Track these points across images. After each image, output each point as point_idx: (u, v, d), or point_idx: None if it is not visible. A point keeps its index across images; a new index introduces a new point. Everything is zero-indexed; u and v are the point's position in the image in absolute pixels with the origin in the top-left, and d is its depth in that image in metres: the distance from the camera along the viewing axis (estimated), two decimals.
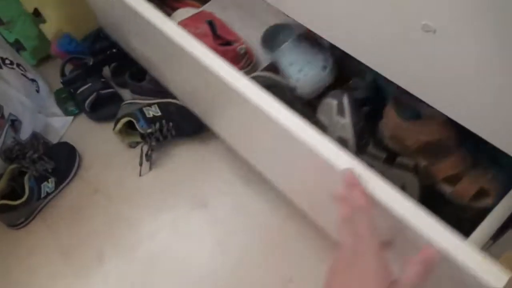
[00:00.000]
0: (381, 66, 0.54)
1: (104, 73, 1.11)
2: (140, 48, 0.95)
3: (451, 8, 0.39)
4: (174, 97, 0.99)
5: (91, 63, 1.04)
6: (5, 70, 0.91)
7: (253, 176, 0.91)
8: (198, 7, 1.03)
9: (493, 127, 0.46)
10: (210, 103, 0.81)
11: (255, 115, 0.60)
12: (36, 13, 1.05)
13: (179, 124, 0.94)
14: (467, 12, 0.38)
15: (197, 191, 0.92)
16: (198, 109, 0.92)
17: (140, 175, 0.95)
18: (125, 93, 1.08)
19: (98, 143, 1.02)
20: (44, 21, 1.06)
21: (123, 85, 1.08)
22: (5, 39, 1.07)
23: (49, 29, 1.07)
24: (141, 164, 0.94)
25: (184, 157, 0.97)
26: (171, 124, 0.93)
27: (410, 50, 0.47)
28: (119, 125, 0.94)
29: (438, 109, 0.50)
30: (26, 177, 0.87)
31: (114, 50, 1.07)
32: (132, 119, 0.93)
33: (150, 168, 0.96)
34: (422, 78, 0.49)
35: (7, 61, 0.94)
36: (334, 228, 0.54)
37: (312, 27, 0.59)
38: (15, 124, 0.89)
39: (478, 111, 0.46)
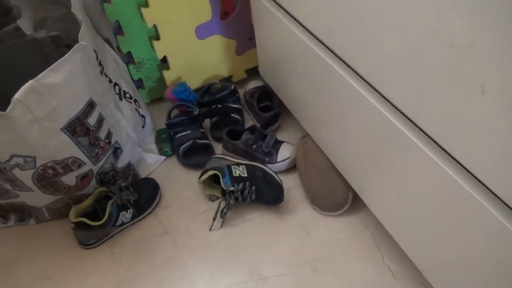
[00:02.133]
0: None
1: (205, 124, 1.17)
2: (307, 94, 0.93)
3: None
4: (260, 162, 1.00)
5: (196, 113, 1.11)
6: (123, 102, 1.01)
7: (321, 267, 0.86)
8: None
9: None
10: (372, 164, 0.76)
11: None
12: (164, 60, 1.17)
13: (261, 190, 0.94)
14: None
15: (259, 263, 0.88)
16: (349, 173, 0.88)
17: (210, 229, 0.95)
18: (218, 148, 1.12)
19: (180, 188, 1.05)
20: (168, 68, 1.18)
21: (218, 139, 1.13)
22: (131, 76, 1.20)
23: (170, 75, 1.19)
24: (214, 219, 0.95)
25: (257, 224, 0.96)
26: (253, 187, 0.93)
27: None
28: (205, 176, 0.96)
29: None
30: (110, 202, 0.92)
31: (219, 106, 1.14)
32: (218, 174, 0.95)
33: (222, 226, 0.96)
34: None
35: (127, 95, 1.04)
36: None
37: None
38: (117, 151, 0.96)
39: None
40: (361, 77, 0.69)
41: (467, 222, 0.57)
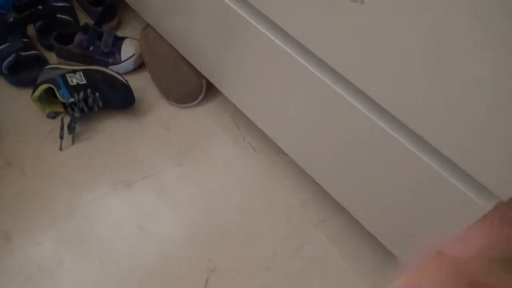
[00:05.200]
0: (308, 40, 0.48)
1: (30, 33, 0.99)
2: None
3: None
4: (103, 65, 0.89)
5: (11, 19, 0.92)
6: None
7: (186, 158, 0.85)
8: None
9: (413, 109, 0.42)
10: (217, 48, 0.72)
11: None
12: None
13: (107, 95, 0.85)
14: None
15: (122, 170, 0.84)
16: (198, 62, 0.83)
17: (60, 149, 0.86)
18: (53, 57, 0.97)
19: (16, 111, 0.91)
20: None
21: (50, 48, 0.97)
22: None
23: None
24: (61, 137, 0.85)
25: (113, 132, 0.89)
26: (97, 94, 0.84)
27: (338, 21, 0.42)
28: (37, 92, 0.83)
29: (361, 88, 0.46)
30: None
31: (40, 7, 0.95)
32: (52, 86, 0.82)
33: (73, 142, 0.87)
34: (349, 54, 0.44)
35: None
36: None
37: None
38: None
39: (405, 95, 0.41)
40: None
41: (301, 88, 0.58)
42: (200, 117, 0.90)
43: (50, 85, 0.83)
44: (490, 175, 0.40)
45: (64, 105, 0.84)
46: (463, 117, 0.38)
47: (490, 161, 0.38)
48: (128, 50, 0.93)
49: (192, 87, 0.88)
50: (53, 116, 0.88)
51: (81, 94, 0.83)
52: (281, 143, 0.76)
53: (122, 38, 0.94)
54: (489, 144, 0.37)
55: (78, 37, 0.90)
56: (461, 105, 0.37)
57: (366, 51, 0.42)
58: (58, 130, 0.86)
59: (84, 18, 1.03)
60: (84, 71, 0.85)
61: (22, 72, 0.92)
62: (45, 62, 0.94)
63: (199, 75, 0.87)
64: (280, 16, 0.52)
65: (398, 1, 0.35)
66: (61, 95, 0.82)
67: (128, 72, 0.95)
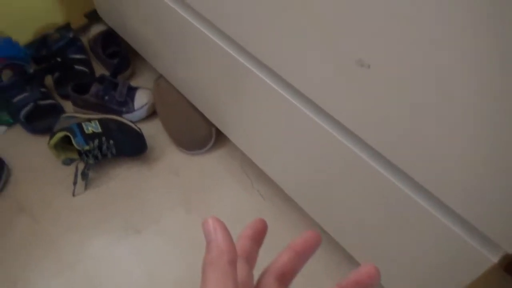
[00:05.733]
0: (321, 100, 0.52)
1: (48, 83, 1.04)
2: (145, 31, 0.89)
3: (383, 44, 0.38)
4: (117, 113, 0.93)
5: (31, 70, 0.97)
6: None
7: (195, 205, 0.87)
8: None
9: (426, 167, 0.44)
10: (226, 98, 0.75)
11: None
12: None
13: (120, 143, 0.88)
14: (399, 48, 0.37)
15: (133, 216, 0.86)
16: (208, 110, 0.86)
17: (73, 195, 0.88)
18: (69, 106, 1.01)
19: (31, 158, 0.94)
20: None
21: (67, 97, 1.01)
22: None
23: None
24: (75, 183, 0.87)
25: (124, 179, 0.91)
26: (111, 142, 0.87)
27: (346, 82, 0.45)
28: (54, 140, 0.87)
29: (372, 145, 0.48)
30: None
31: (59, 59, 1.01)
32: (68, 134, 0.86)
33: (86, 188, 0.89)
34: (359, 115, 0.47)
35: None
36: None
37: None
38: None
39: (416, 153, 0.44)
40: (202, 15, 0.65)
41: (308, 139, 0.61)
42: (209, 164, 0.93)
43: (66, 133, 0.86)
44: (495, 227, 0.42)
45: (79, 152, 0.87)
46: (470, 171, 0.40)
47: (496, 213, 0.40)
48: (141, 99, 0.97)
49: (202, 134, 0.91)
50: (68, 163, 0.91)
51: (96, 142, 0.86)
52: (289, 190, 0.78)
53: (136, 88, 0.99)
54: (495, 197, 0.39)
55: (95, 88, 0.95)
56: (465, 161, 0.40)
57: (374, 111, 0.45)
58: (72, 176, 0.89)
59: (99, 69, 1.09)
60: (99, 120, 0.89)
61: (39, 120, 0.96)
62: (62, 110, 0.98)
63: (209, 123, 0.90)
64: (290, 73, 0.55)
65: (402, 67, 0.38)
66: (77, 142, 0.85)
67: (140, 120, 0.99)
